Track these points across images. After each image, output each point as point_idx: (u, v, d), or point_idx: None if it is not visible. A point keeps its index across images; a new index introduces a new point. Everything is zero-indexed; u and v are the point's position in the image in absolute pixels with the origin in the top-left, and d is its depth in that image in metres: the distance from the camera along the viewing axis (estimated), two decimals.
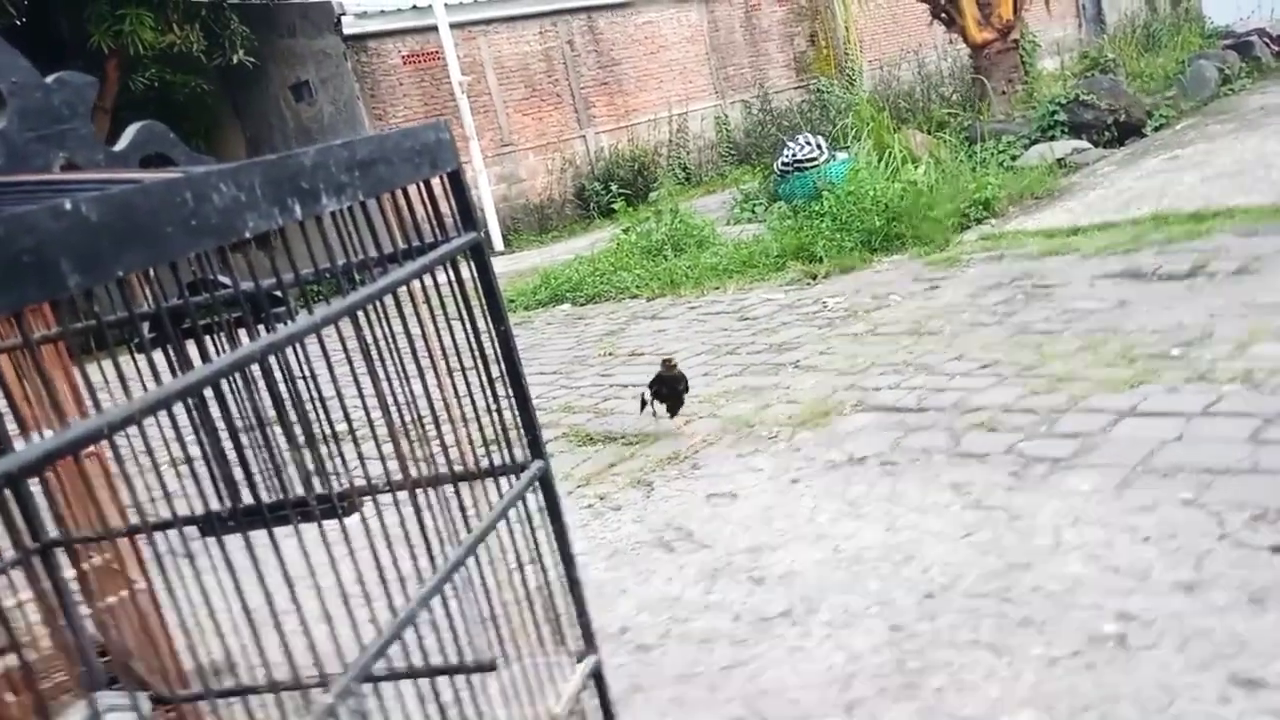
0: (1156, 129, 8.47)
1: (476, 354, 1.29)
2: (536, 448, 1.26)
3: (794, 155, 7.64)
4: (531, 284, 8.82)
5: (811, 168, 7.52)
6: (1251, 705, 1.57)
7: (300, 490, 1.42)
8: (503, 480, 1.27)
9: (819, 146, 7.63)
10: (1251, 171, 6.21)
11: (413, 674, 1.45)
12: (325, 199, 0.89)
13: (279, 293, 1.30)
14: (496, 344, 1.25)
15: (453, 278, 1.30)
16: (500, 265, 12.51)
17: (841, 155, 7.72)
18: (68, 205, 0.62)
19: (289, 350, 1.01)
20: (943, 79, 12.00)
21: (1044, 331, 3.92)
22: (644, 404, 3.50)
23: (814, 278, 6.30)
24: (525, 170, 16.45)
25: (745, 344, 4.86)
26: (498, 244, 15.57)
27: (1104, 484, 2.42)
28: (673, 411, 3.45)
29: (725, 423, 3.60)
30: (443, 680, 1.45)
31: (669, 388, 3.32)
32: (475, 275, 1.21)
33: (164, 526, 1.57)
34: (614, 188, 16.63)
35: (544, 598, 1.36)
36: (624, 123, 17.01)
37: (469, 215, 1.16)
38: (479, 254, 1.19)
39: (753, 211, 9.37)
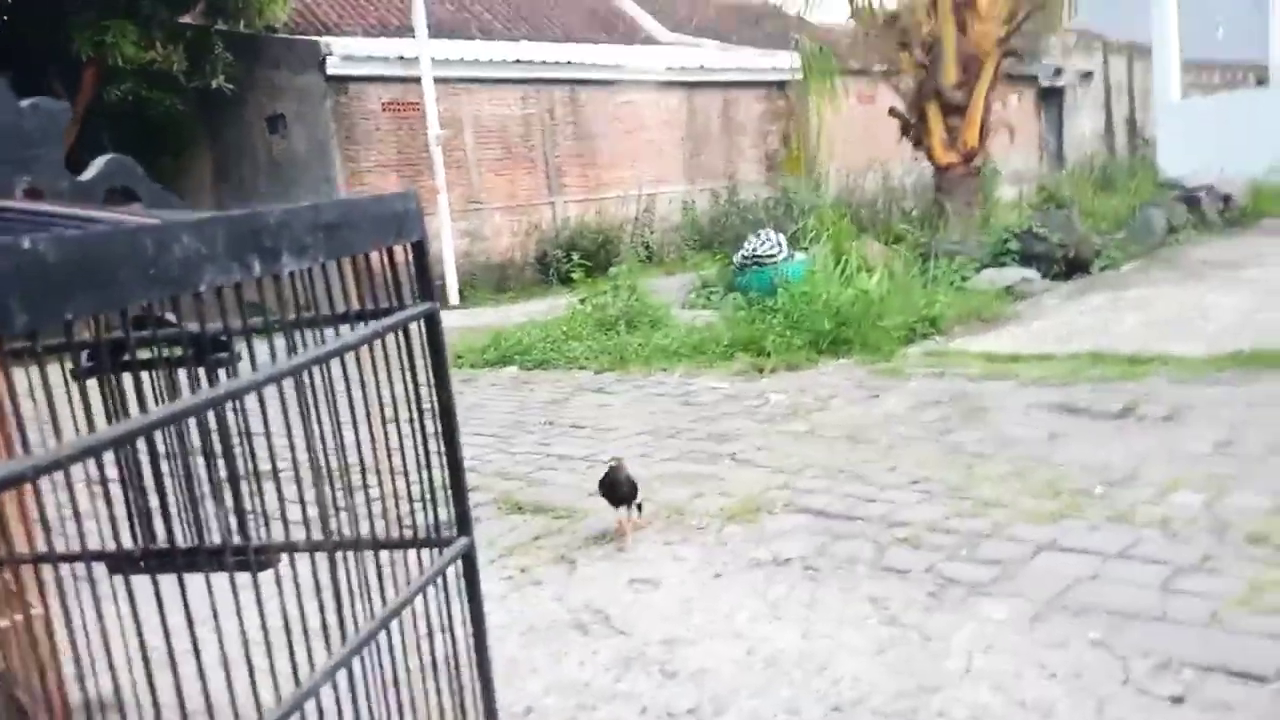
0: (1103, 268, 8.79)
1: (415, 421, 1.29)
2: (464, 524, 1.26)
3: (754, 250, 7.80)
4: (481, 342, 8.80)
5: (770, 263, 7.68)
6: None
7: (217, 539, 1.39)
8: (425, 551, 1.26)
9: (779, 244, 7.80)
10: (1189, 321, 6.47)
11: None
12: (287, 258, 0.89)
13: (224, 338, 1.30)
14: (437, 415, 1.26)
15: (403, 343, 1.30)
16: (454, 320, 12.48)
17: (800, 256, 7.90)
18: (26, 244, 0.62)
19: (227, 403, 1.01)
20: (905, 193, 12.37)
21: (976, 454, 4.00)
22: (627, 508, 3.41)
23: (760, 371, 6.38)
24: (490, 229, 16.52)
25: (686, 429, 4.88)
26: (454, 298, 15.55)
27: (1018, 614, 2.46)
28: (614, 504, 3.37)
29: (657, 508, 3.60)
30: None
31: (614, 488, 3.29)
32: (426, 343, 1.21)
33: (71, 559, 1.53)
34: (576, 257, 16.73)
35: (450, 671, 1.34)
36: (594, 195, 17.23)
37: (427, 285, 1.18)
38: (433, 324, 1.20)
39: (708, 299, 9.50)
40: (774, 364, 6.48)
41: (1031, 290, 7.82)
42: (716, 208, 17.14)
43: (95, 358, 1.23)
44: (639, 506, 3.32)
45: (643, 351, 7.44)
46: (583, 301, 9.58)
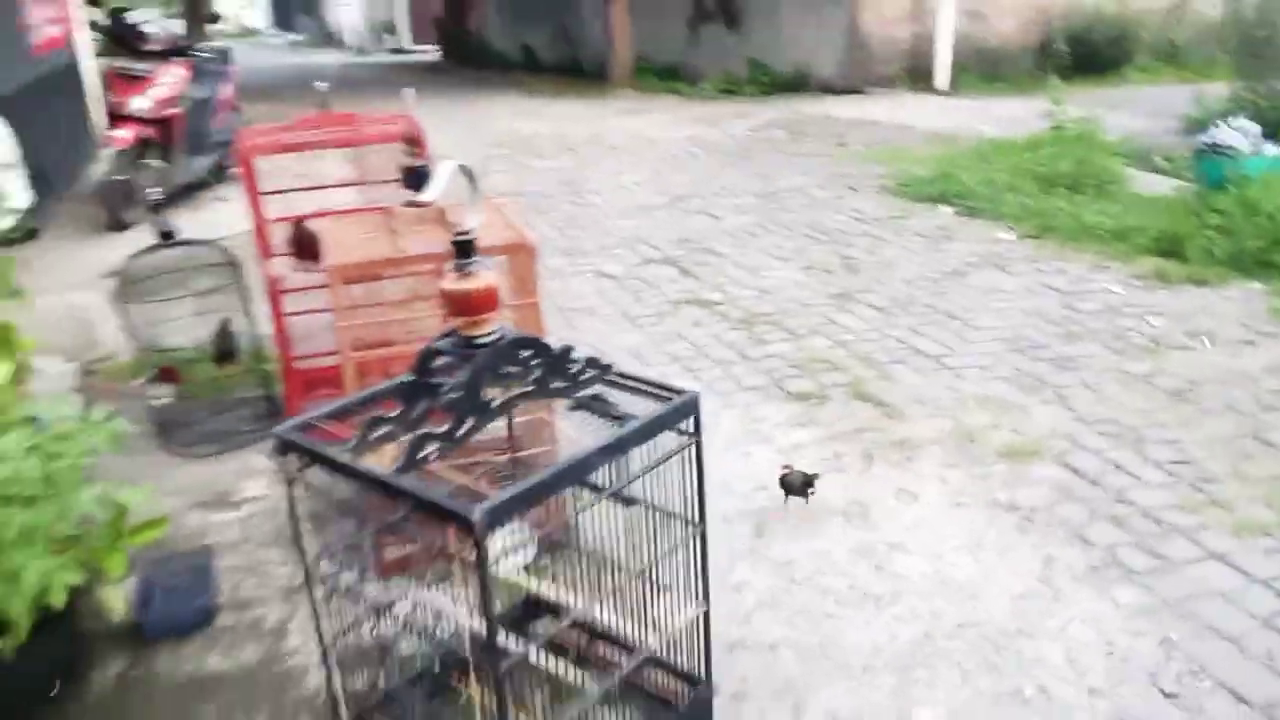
0: None
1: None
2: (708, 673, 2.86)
3: (1215, 139, 7.86)
4: (927, 174, 9.81)
5: (1229, 156, 7.74)
6: None
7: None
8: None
9: (1248, 135, 7.76)
10: None
11: None
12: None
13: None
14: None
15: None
16: (929, 117, 13.27)
17: (1273, 149, 7.80)
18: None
19: None
20: None
21: (1269, 442, 4.72)
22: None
23: (1165, 280, 6.94)
24: (995, 9, 16.47)
25: (1039, 347, 5.92)
26: (942, 83, 16.13)
27: (1136, 603, 3.62)
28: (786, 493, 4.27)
29: (956, 429, 4.93)
30: None
31: (785, 488, 4.25)
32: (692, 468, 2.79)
33: None
34: (1077, 51, 16.29)
35: None
36: None
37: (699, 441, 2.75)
38: (698, 450, 2.77)
39: (1181, 163, 9.49)
40: (1184, 274, 6.98)
41: None
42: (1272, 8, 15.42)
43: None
44: (809, 492, 4.27)
45: (1069, 225, 8.12)
46: (1055, 129, 10.06)
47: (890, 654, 3.43)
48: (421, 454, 2.40)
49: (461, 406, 2.46)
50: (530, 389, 2.63)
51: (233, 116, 10.74)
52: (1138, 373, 5.55)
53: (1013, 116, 12.19)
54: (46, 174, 8.84)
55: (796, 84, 16.78)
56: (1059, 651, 3.41)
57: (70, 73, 10.84)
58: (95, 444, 3.45)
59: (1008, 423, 5.00)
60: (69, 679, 3.51)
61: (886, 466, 4.63)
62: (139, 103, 9.17)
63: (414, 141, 4.09)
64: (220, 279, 4.96)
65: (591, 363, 2.75)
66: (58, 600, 3.13)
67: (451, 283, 2.55)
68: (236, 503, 4.49)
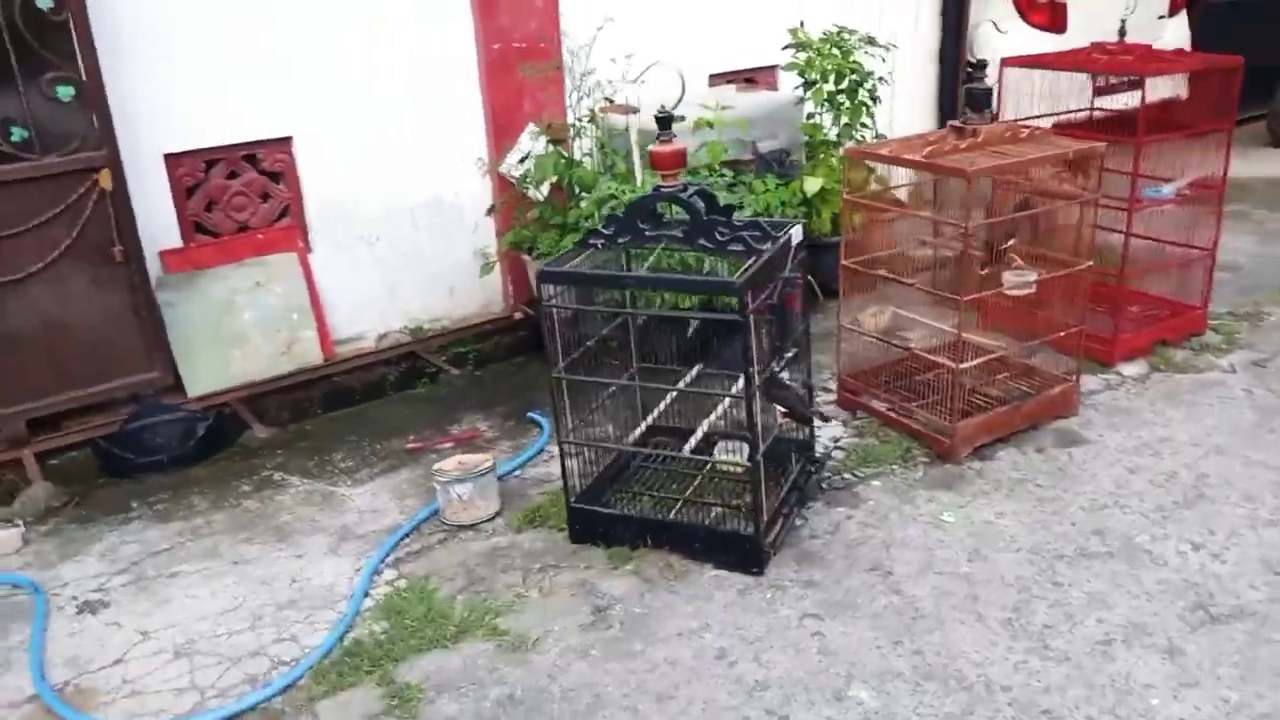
0: None
1: None
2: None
3: None
4: None
5: None
6: None
7: None
8: None
9: None
10: None
11: None
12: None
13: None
14: None
15: None
16: None
17: None
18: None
19: None
20: None
21: None
22: None
23: None
24: None
25: None
26: None
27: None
28: None
29: None
30: None
31: None
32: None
33: None
34: None
35: None
36: None
37: None
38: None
39: None
40: None
41: None
42: None
43: None
44: None
45: None
46: None
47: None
48: (588, 246, 3.65)
49: (621, 224, 3.65)
50: (679, 234, 3.70)
51: None
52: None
53: None
54: None
55: None
56: None
57: None
58: None
59: None
60: None
61: None
62: None
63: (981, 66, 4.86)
64: None
65: (749, 225, 3.69)
66: None
67: (655, 146, 3.73)
68: None
